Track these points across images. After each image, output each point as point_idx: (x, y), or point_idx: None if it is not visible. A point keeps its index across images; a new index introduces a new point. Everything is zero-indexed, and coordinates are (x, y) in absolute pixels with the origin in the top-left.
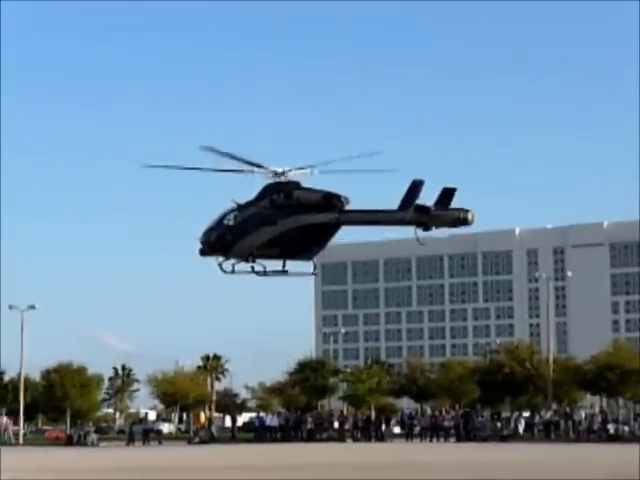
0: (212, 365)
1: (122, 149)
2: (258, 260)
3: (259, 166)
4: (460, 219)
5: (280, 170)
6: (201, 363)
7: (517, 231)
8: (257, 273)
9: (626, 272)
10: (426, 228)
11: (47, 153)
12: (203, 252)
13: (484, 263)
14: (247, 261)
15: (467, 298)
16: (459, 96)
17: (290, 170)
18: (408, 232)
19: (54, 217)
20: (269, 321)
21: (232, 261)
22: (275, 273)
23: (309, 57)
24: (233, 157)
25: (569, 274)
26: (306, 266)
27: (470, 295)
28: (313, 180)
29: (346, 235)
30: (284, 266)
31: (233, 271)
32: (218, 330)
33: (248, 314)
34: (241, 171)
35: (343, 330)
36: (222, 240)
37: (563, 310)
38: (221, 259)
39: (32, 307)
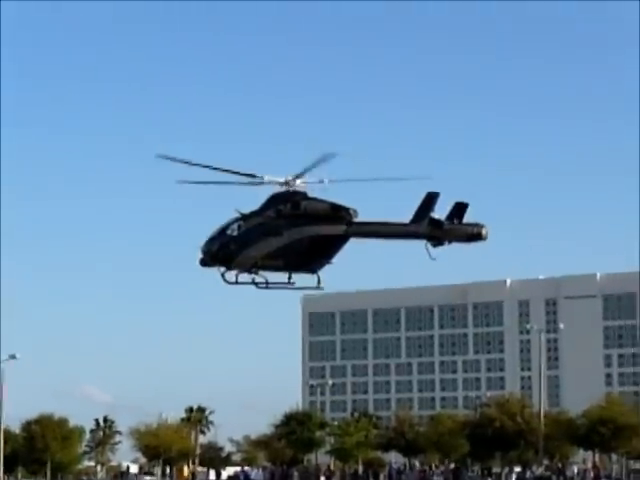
0: (196, 417)
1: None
2: (261, 272)
3: (251, 175)
4: (474, 234)
5: (286, 179)
6: (185, 415)
7: (508, 282)
8: (258, 285)
9: (619, 324)
10: (438, 243)
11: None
12: (204, 262)
13: (475, 314)
14: (250, 272)
15: (457, 350)
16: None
17: (296, 179)
18: (396, 282)
19: (33, 267)
20: (255, 372)
21: (234, 272)
22: (277, 286)
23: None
24: (239, 173)
25: (561, 326)
26: (301, 280)
27: (460, 347)
28: (320, 191)
29: (334, 284)
30: (290, 278)
31: (237, 282)
32: (203, 380)
33: (234, 364)
34: (251, 183)
35: (330, 382)
36: (225, 250)
37: (555, 363)
38: (223, 270)
39: (13, 357)
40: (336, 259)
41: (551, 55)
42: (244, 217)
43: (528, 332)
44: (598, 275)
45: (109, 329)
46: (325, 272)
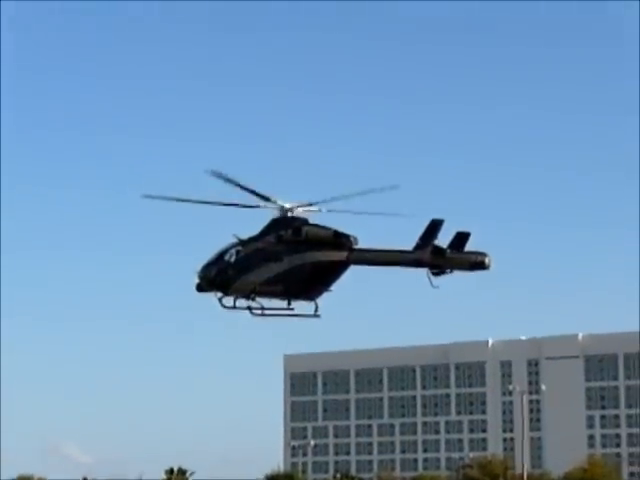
0: (177, 479)
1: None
2: (259, 299)
3: (267, 199)
4: (477, 262)
5: (288, 206)
6: (165, 477)
7: (490, 342)
8: (253, 312)
9: (601, 386)
10: (440, 272)
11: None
12: (200, 288)
13: (457, 375)
14: (248, 298)
15: (440, 410)
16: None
17: (298, 206)
18: (379, 342)
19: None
20: (236, 432)
21: (231, 298)
22: (273, 313)
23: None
24: (241, 186)
25: (543, 388)
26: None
27: (443, 407)
28: (320, 218)
29: (316, 345)
30: (289, 303)
31: (234, 307)
32: (184, 440)
33: (215, 424)
34: (249, 206)
35: (312, 443)
36: (223, 275)
37: (537, 424)
38: (219, 295)
39: None
40: (321, 318)
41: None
42: (242, 242)
43: (510, 393)
44: (580, 335)
45: (88, 390)
46: (308, 330)
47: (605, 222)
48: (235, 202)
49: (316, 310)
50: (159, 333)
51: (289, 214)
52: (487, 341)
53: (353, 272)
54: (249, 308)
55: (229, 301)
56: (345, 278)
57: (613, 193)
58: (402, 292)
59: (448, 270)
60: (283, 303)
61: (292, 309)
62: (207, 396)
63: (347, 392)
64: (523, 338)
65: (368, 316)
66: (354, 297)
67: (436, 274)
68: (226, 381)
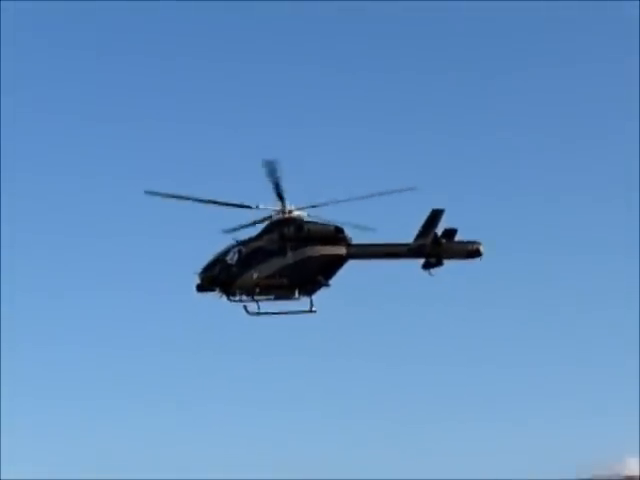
0: None
1: None
2: (261, 294)
3: (282, 198)
4: (474, 251)
5: (288, 207)
6: None
7: None
8: (249, 312)
9: None
10: (437, 262)
11: None
12: (202, 288)
13: None
14: (250, 294)
15: None
16: None
17: (297, 209)
18: None
19: None
20: None
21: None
22: (269, 312)
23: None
24: (276, 182)
25: None
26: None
27: None
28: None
29: None
30: (295, 296)
31: (241, 300)
32: None
33: None
34: (248, 207)
35: None
36: (226, 273)
37: None
38: (220, 294)
39: None
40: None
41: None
42: (243, 242)
43: None
44: None
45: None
46: None
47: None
48: (233, 202)
49: (311, 306)
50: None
51: (287, 215)
52: None
53: None
54: (245, 308)
55: (232, 299)
56: None
57: None
58: None
59: (442, 262)
60: (278, 305)
61: (297, 299)
62: None
63: None
64: None
65: None
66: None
67: (431, 267)
68: None
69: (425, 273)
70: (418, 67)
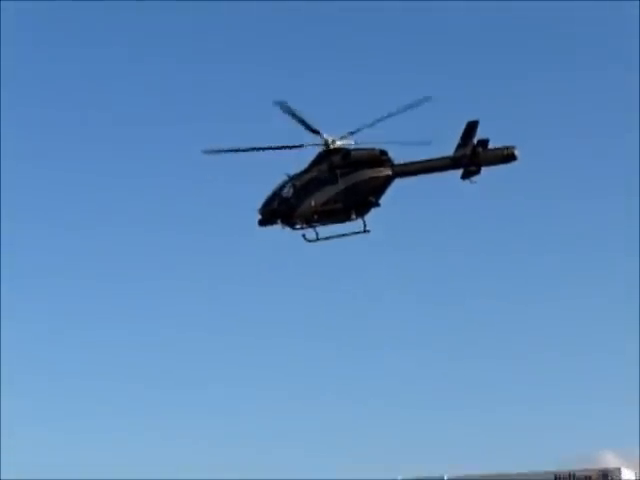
0: None
1: None
2: (319, 220)
3: (317, 132)
4: (510, 155)
5: (330, 139)
6: None
7: None
8: (307, 239)
9: None
10: (476, 170)
11: None
12: (264, 222)
13: None
14: (309, 221)
15: None
16: None
17: (340, 138)
18: None
19: None
20: None
21: (289, 228)
22: (326, 236)
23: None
24: (299, 118)
25: None
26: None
27: None
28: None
29: None
30: (351, 217)
31: (297, 228)
32: None
33: None
34: (295, 146)
35: None
36: (285, 205)
37: None
38: (282, 226)
39: None
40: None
41: None
42: (295, 176)
43: None
44: None
45: None
46: None
47: None
48: (282, 145)
49: (365, 226)
50: None
51: (332, 146)
52: None
53: None
54: (303, 236)
55: (293, 230)
56: None
57: None
58: None
59: (481, 168)
60: (330, 230)
61: (353, 218)
62: None
63: None
64: None
65: None
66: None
67: (469, 174)
68: None
69: (465, 183)
70: None
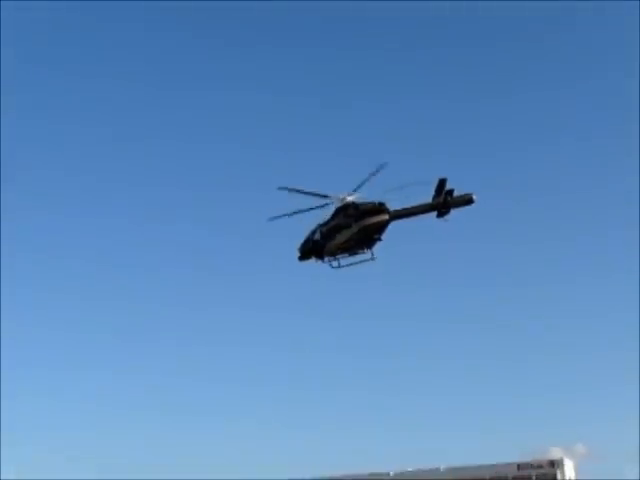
0: None
1: None
2: (340, 253)
3: (326, 196)
4: (469, 199)
5: (342, 196)
6: None
7: None
8: (332, 266)
9: None
10: (447, 211)
11: None
12: (303, 257)
13: None
14: (334, 254)
15: None
16: None
17: (348, 195)
18: None
19: None
20: None
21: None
22: (346, 264)
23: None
24: (306, 193)
25: None
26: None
27: None
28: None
29: None
30: (363, 250)
31: (329, 261)
32: None
33: None
34: (322, 206)
35: None
36: (317, 245)
37: None
38: (316, 259)
39: None
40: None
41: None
42: (323, 224)
43: None
44: None
45: None
46: None
47: None
48: (321, 193)
49: (372, 255)
50: None
51: (347, 199)
52: None
53: None
54: (330, 264)
55: (324, 263)
56: None
57: None
58: None
59: (451, 210)
60: (349, 259)
61: (366, 253)
62: None
63: None
64: None
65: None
66: None
67: (442, 215)
68: None
69: (440, 221)
70: None
